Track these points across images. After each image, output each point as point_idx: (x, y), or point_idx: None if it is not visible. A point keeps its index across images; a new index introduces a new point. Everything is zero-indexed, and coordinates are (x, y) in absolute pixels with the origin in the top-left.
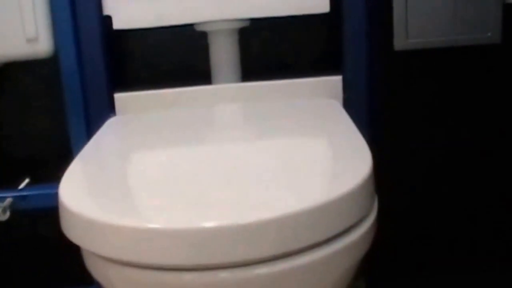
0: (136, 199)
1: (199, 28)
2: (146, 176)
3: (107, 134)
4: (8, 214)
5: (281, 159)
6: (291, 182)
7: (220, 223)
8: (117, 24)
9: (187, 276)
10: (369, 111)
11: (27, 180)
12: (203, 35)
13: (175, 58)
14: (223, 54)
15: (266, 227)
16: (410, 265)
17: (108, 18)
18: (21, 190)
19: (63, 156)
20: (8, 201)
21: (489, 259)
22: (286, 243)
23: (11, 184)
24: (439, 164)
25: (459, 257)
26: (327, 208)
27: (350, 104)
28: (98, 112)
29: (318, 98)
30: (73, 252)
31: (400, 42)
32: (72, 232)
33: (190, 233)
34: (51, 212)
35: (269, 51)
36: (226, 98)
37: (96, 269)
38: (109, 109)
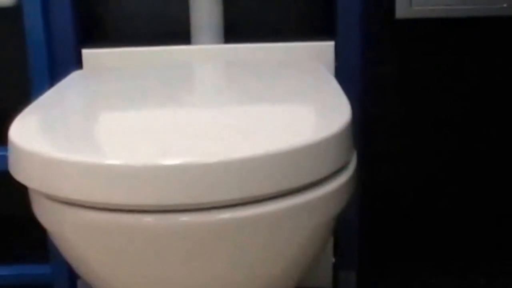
0: (94, 138)
1: None
2: (107, 120)
3: (69, 84)
4: None
5: (256, 110)
6: (265, 129)
7: (182, 161)
8: None
9: (147, 218)
10: (361, 80)
11: None
12: None
13: (153, 15)
14: (204, 13)
15: (229, 169)
16: (401, 253)
17: None
18: None
19: None
20: None
21: (483, 253)
22: (250, 188)
23: None
24: (438, 137)
25: (450, 247)
26: (297, 154)
27: (342, 72)
28: (64, 68)
29: (305, 63)
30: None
31: (402, 10)
32: (23, 173)
33: (150, 170)
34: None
35: (259, 14)
36: (204, 60)
37: (46, 215)
38: (76, 66)
